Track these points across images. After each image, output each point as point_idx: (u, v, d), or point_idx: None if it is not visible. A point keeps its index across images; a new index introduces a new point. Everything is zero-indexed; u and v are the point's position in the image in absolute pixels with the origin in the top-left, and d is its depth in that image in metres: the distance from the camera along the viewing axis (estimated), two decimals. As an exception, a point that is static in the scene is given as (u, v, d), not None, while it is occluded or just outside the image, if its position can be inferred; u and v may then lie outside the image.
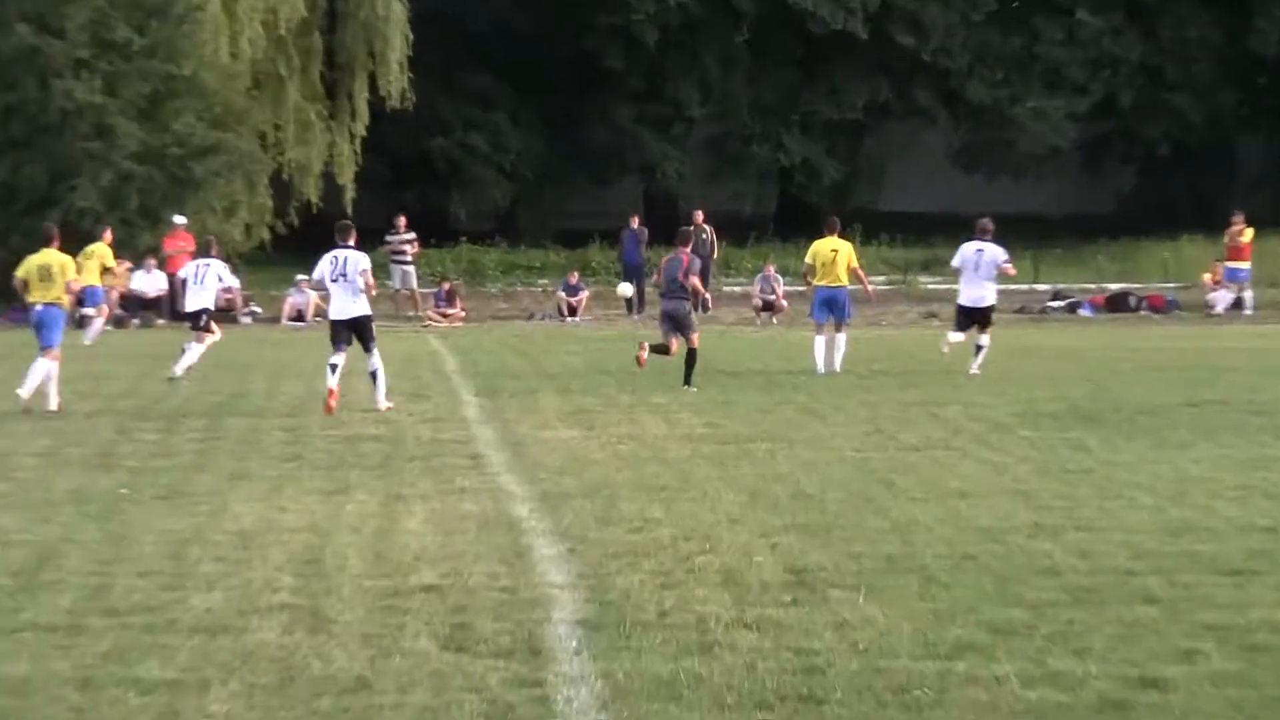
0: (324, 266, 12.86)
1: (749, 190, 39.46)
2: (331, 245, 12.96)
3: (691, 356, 14.37)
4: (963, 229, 37.68)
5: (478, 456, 10.31)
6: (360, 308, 12.79)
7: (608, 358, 17.92)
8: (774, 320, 25.02)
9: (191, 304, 16.03)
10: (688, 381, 14.25)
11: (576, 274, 27.28)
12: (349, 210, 29.40)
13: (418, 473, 9.69)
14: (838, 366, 15.87)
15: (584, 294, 26.52)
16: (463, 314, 25.55)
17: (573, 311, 26.02)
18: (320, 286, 13.01)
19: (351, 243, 12.96)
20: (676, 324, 14.50)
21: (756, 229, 35.54)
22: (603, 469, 9.76)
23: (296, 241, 28.50)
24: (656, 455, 10.30)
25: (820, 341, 16.00)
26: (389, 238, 25.66)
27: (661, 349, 14.59)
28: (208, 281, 15.94)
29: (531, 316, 26.35)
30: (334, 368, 12.68)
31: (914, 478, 9.47)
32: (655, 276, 15.06)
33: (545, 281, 31.56)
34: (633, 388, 14.36)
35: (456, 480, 9.38)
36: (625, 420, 12.13)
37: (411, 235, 26.00)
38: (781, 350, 19.11)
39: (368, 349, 12.76)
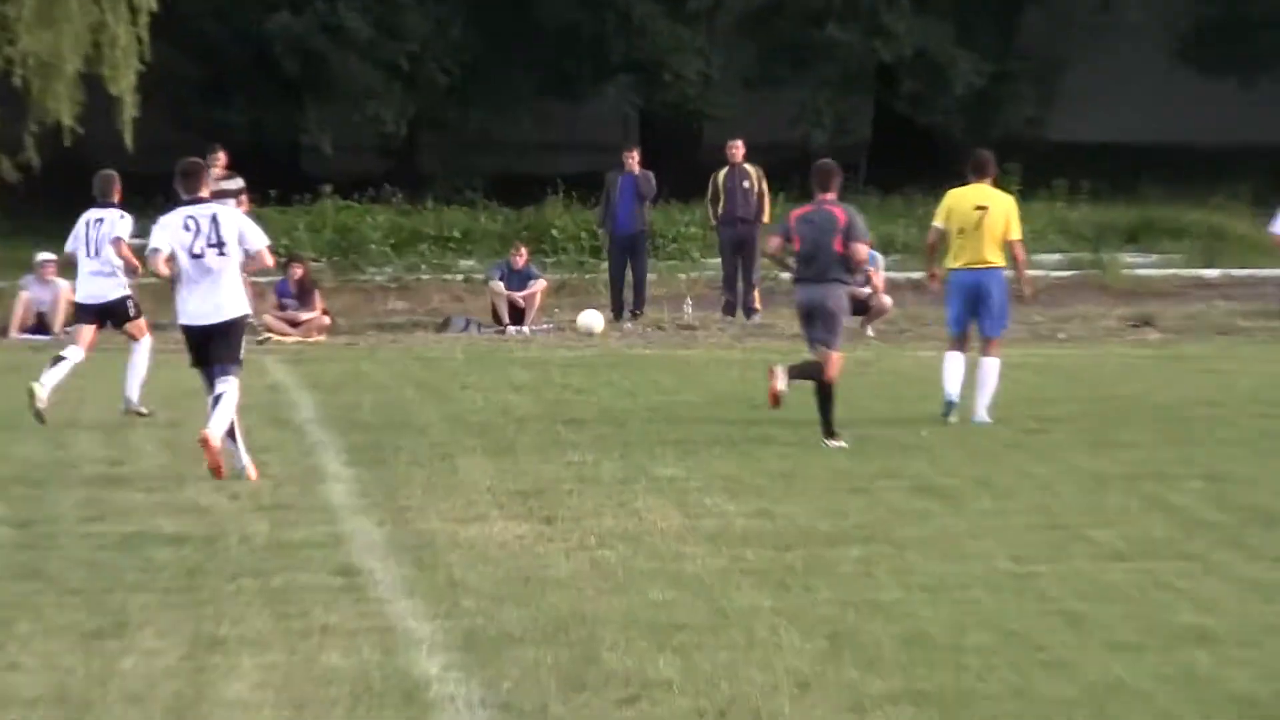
0: (172, 234, 13.15)
1: (822, 106, 39.52)
2: (168, 201, 13.29)
3: (827, 393, 14.84)
4: (1199, 173, 37.65)
5: (352, 571, 10.30)
6: (234, 304, 13.28)
7: (581, 396, 17.90)
8: (868, 330, 25.07)
9: (90, 289, 16.26)
10: (830, 433, 14.65)
11: (525, 251, 27.30)
12: (127, 139, 29.43)
13: (247, 600, 9.65)
14: (983, 411, 15.92)
15: (537, 285, 26.53)
16: (326, 320, 25.52)
17: (519, 316, 26.03)
18: (169, 268, 13.26)
19: (206, 193, 13.44)
20: (822, 325, 14.86)
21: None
22: (572, 593, 9.73)
23: (34, 195, 28.47)
24: (666, 569, 10.28)
25: (955, 363, 16.05)
26: (198, 187, 25.60)
27: (810, 370, 14.94)
28: (105, 249, 16.30)
29: (446, 324, 26.36)
30: (217, 401, 13.09)
31: (1118, 608, 9.42)
32: (777, 243, 15.21)
33: (470, 263, 31.57)
34: (623, 448, 14.36)
35: (315, 612, 9.34)
36: (611, 506, 12.10)
37: (237, 183, 25.92)
38: (883, 381, 19.10)
39: (226, 370, 13.18)
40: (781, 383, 14.80)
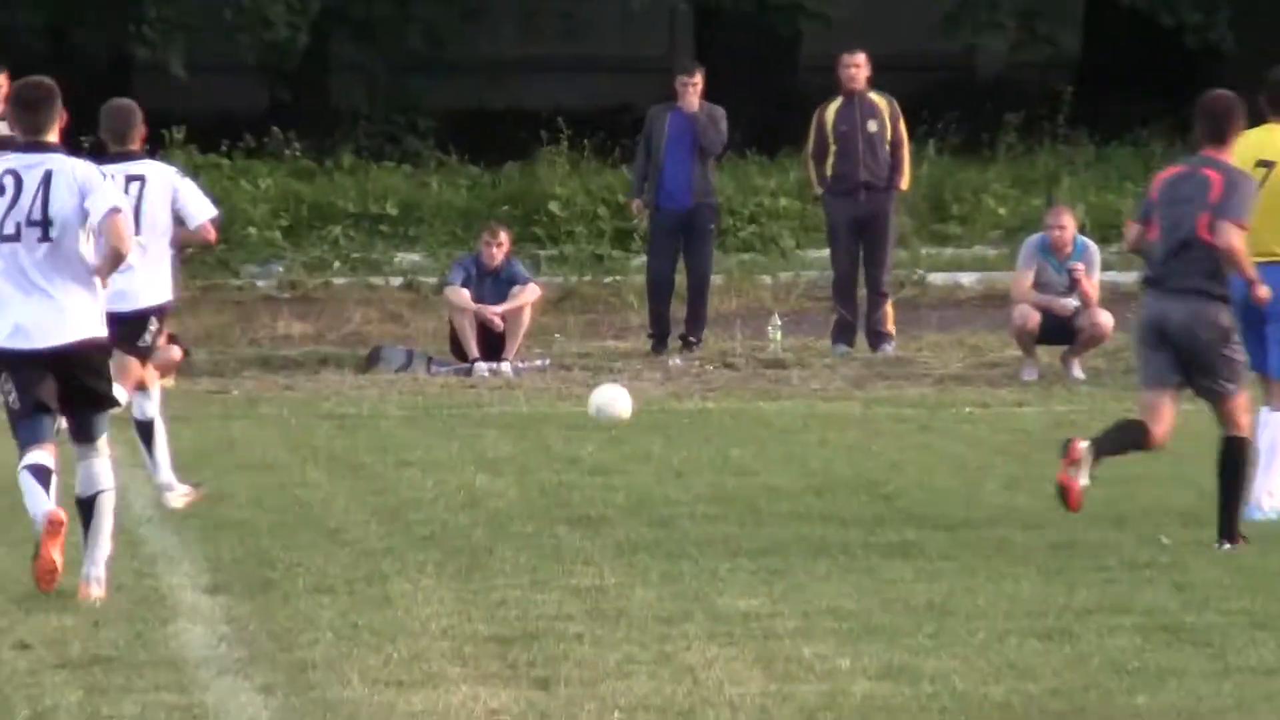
0: None
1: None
2: None
3: (1237, 459, 15.05)
4: None
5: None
6: (85, 318, 13.43)
7: (597, 479, 18.03)
8: (1074, 369, 25.20)
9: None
10: (1229, 536, 14.82)
11: (505, 238, 27.32)
12: None
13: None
14: (1264, 499, 15.94)
15: (526, 295, 26.54)
16: (175, 353, 25.53)
17: (494, 345, 26.04)
18: None
19: (55, 135, 13.61)
20: (1187, 362, 15.06)
21: (1025, 105, 35.74)
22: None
23: None
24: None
25: (1268, 424, 16.06)
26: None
27: (1126, 438, 15.21)
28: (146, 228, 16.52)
29: (375, 359, 26.48)
30: (38, 472, 13.27)
31: None
32: (1135, 231, 15.35)
33: (414, 258, 31.97)
34: (666, 563, 14.43)
35: None
36: (648, 659, 12.09)
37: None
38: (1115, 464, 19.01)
39: (88, 432, 13.49)
40: (1082, 475, 14.83)
